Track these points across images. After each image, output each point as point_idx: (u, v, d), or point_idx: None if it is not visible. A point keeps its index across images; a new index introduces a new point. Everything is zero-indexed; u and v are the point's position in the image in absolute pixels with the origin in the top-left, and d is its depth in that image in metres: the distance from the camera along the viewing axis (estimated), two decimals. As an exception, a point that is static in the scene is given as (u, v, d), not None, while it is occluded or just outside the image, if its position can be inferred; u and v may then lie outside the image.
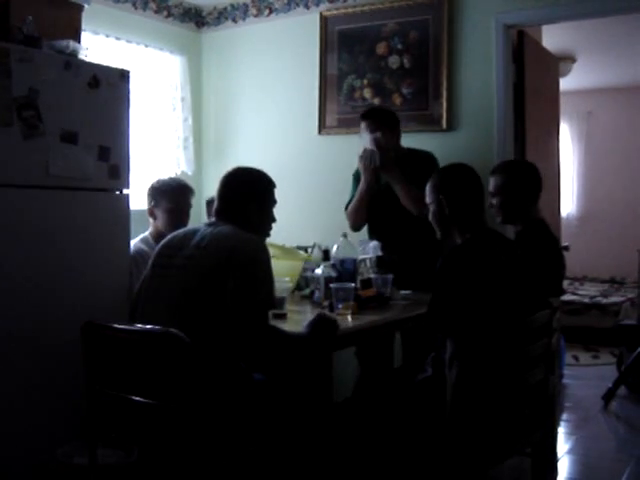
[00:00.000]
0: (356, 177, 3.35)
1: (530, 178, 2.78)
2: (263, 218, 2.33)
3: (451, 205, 2.23)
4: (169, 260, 2.18)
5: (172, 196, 3.09)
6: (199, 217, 3.76)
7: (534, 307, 2.19)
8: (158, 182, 3.19)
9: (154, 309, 2.11)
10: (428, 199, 2.31)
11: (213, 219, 2.31)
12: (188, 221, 3.13)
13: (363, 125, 3.25)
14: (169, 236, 2.33)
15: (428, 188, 2.31)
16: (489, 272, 2.10)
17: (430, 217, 2.32)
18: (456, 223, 2.24)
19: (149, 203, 3.13)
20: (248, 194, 2.28)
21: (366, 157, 3.15)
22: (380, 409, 2.21)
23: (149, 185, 3.19)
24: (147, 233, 3.14)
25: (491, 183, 2.77)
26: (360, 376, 3.25)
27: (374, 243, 3.04)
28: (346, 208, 3.34)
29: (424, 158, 3.23)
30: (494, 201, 2.75)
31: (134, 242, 3.03)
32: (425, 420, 2.09)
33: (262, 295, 2.09)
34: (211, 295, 2.04)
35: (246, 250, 2.09)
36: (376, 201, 3.23)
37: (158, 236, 3.09)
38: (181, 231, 2.33)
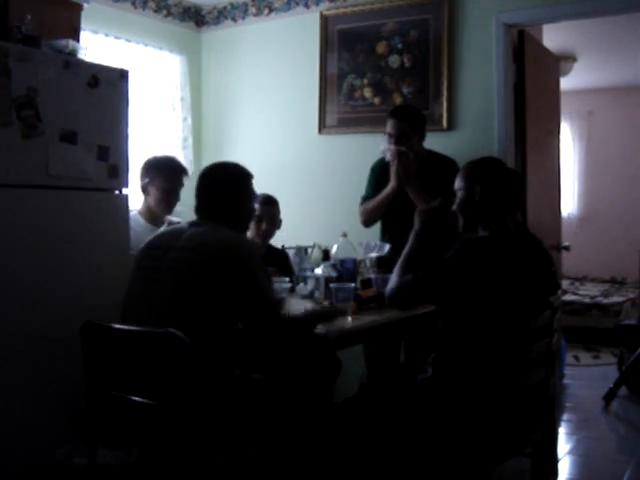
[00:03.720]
0: (374, 170, 3.30)
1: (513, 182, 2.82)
2: (244, 212, 2.30)
3: (484, 195, 2.20)
4: (156, 262, 2.13)
5: (168, 175, 3.05)
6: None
7: (539, 307, 2.18)
8: (155, 158, 3.13)
9: (145, 313, 2.09)
10: (458, 185, 2.27)
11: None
12: (177, 201, 3.11)
13: (390, 122, 3.12)
14: (153, 236, 2.28)
15: (461, 174, 2.27)
16: (505, 272, 2.08)
17: (456, 205, 2.27)
18: (483, 214, 2.22)
19: (142, 179, 3.07)
20: (228, 190, 2.25)
21: (396, 167, 3.08)
22: (380, 410, 2.20)
23: (144, 161, 3.13)
24: (135, 211, 3.07)
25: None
26: (366, 378, 3.25)
27: (376, 242, 3.03)
28: (362, 202, 3.29)
29: (446, 164, 3.13)
30: None
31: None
32: (425, 420, 2.09)
33: (269, 290, 2.10)
34: (202, 297, 2.02)
35: (241, 253, 2.07)
36: (393, 200, 3.20)
37: (149, 215, 3.06)
38: (166, 231, 2.30)
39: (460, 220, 2.29)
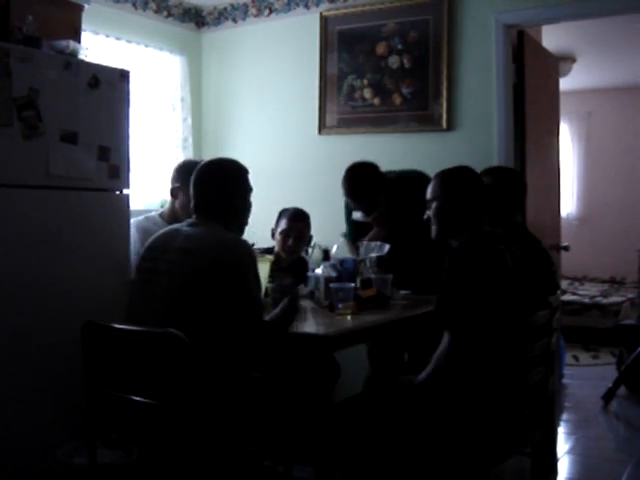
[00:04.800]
0: (347, 206, 3.23)
1: (515, 183, 2.82)
2: (240, 208, 2.28)
3: (457, 204, 2.23)
4: (154, 264, 2.14)
5: None
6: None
7: (536, 306, 2.19)
8: (189, 163, 3.02)
9: (143, 313, 2.10)
10: (430, 195, 2.30)
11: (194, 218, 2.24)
12: None
13: (352, 204, 3.05)
14: (152, 238, 2.28)
15: (433, 184, 2.30)
16: (497, 269, 2.10)
17: (431, 213, 2.29)
18: (457, 222, 2.25)
19: (173, 182, 3.01)
20: (222, 187, 2.23)
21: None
22: (380, 409, 2.20)
23: (178, 164, 3.12)
24: (154, 213, 3.07)
25: None
26: (370, 376, 3.26)
27: (376, 242, 3.02)
28: (347, 239, 3.21)
29: (415, 182, 3.04)
30: None
31: (136, 219, 2.97)
32: (425, 420, 2.09)
33: (255, 291, 2.10)
34: (198, 300, 2.02)
35: (233, 255, 2.07)
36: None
37: (173, 218, 2.98)
38: (163, 232, 2.27)
39: (434, 229, 2.30)
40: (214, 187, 2.23)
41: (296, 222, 3.12)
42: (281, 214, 3.16)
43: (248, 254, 2.13)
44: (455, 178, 2.28)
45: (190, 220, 2.23)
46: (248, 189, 2.31)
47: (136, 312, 2.15)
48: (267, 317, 2.20)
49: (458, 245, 2.18)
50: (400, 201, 3.05)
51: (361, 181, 2.97)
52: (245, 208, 2.31)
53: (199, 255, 2.06)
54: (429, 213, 2.30)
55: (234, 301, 2.04)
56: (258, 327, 2.09)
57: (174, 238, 2.15)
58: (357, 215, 3.08)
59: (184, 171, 3.01)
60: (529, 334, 2.13)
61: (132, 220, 2.91)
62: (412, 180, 3.13)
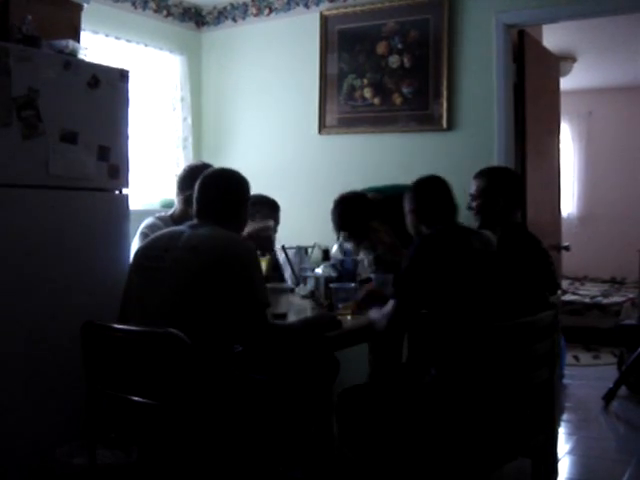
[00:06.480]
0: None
1: (510, 184, 2.82)
2: (243, 217, 2.34)
3: (419, 215, 2.46)
4: (156, 263, 2.13)
5: None
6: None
7: (536, 306, 2.19)
8: (198, 168, 2.90)
9: (145, 312, 2.09)
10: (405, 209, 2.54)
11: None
12: None
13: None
14: (152, 237, 2.28)
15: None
16: (459, 256, 2.24)
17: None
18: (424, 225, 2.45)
19: (184, 190, 2.94)
20: (236, 197, 2.28)
21: None
22: (383, 409, 2.20)
23: (186, 171, 3.06)
24: (164, 213, 3.08)
25: (472, 186, 2.79)
26: (370, 375, 3.26)
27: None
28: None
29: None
30: (473, 204, 2.76)
31: (148, 219, 3.00)
32: (427, 422, 2.09)
33: (260, 294, 2.09)
34: (203, 296, 2.02)
35: (238, 251, 2.09)
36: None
37: (180, 219, 2.95)
38: (165, 232, 2.27)
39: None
40: (224, 194, 2.26)
41: (277, 211, 3.27)
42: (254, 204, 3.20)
43: (252, 251, 2.15)
44: (416, 191, 2.50)
45: (191, 223, 2.23)
46: (249, 202, 2.37)
47: (136, 311, 2.14)
48: (296, 319, 2.29)
49: (420, 238, 2.39)
50: (389, 221, 3.06)
51: (346, 213, 3.04)
52: (246, 218, 2.36)
53: (205, 252, 2.07)
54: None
55: (239, 299, 2.04)
56: (261, 327, 2.08)
57: (178, 238, 2.15)
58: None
59: (195, 177, 2.96)
60: (530, 335, 2.12)
61: (144, 223, 2.94)
62: (399, 200, 3.16)
